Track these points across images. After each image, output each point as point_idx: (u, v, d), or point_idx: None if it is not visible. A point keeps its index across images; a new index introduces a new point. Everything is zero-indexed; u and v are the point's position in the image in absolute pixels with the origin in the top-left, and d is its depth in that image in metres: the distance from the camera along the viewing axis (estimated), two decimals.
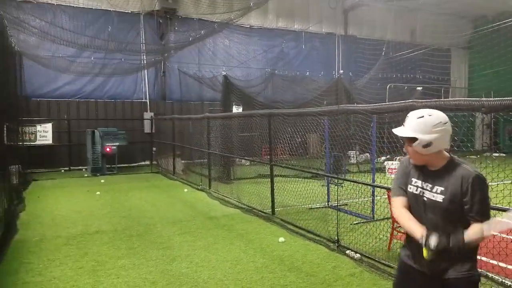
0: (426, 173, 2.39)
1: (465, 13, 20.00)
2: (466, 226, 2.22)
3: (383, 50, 17.61)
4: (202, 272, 4.90)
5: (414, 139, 2.30)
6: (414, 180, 2.44)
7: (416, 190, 2.41)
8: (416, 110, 2.39)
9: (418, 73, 19.67)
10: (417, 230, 2.25)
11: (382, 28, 19.91)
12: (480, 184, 2.23)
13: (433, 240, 2.11)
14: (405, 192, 2.47)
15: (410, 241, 2.40)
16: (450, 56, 22.24)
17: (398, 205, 2.47)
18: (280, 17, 19.53)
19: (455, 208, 2.25)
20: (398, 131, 2.40)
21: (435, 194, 2.32)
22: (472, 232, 2.16)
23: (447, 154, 2.37)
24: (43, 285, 4.58)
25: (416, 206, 2.41)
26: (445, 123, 2.29)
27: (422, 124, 2.29)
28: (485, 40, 16.00)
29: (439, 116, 2.31)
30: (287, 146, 8.78)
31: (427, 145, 2.28)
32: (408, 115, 2.39)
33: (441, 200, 2.28)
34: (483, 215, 2.22)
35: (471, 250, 2.25)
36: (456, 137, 4.38)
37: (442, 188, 2.29)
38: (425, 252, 2.12)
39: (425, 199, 2.36)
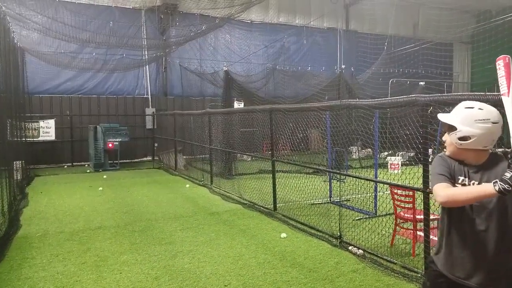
0: (471, 169, 2.18)
1: (468, 8, 19.85)
2: None
3: (385, 45, 17.52)
4: (204, 268, 4.91)
5: (454, 128, 2.14)
6: (461, 178, 2.17)
7: None
8: (472, 101, 2.18)
9: (420, 68, 19.55)
10: (486, 186, 1.91)
11: (384, 23, 19.81)
12: None
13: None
14: (451, 181, 2.16)
15: (452, 251, 2.19)
16: (452, 50, 22.12)
17: (444, 187, 2.11)
18: (281, 12, 19.43)
19: (508, 203, 2.05)
20: (442, 116, 2.22)
21: None
22: None
23: (488, 152, 2.17)
24: (47, 280, 4.61)
25: (463, 210, 2.14)
26: (494, 122, 2.07)
27: (466, 115, 2.11)
28: (488, 35, 15.89)
29: (490, 113, 2.09)
30: (288, 142, 8.77)
31: (464, 138, 2.10)
32: (460, 103, 2.20)
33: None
34: None
35: None
36: None
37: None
38: None
39: None
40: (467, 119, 2.10)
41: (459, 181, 2.17)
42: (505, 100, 1.98)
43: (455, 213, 2.17)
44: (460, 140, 2.12)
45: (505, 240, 2.08)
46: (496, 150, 2.33)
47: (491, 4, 19.33)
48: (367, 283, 4.42)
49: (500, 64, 2.00)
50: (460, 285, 2.17)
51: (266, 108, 8.08)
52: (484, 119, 2.07)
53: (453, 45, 22.27)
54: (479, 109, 2.11)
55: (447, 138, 2.22)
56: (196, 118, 12.51)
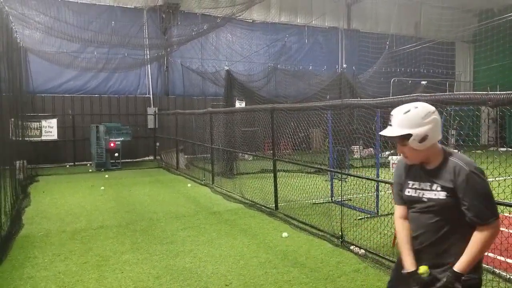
0: (424, 172, 2.24)
1: (470, 6, 19.78)
2: (470, 228, 2.08)
3: (386, 44, 17.50)
4: (205, 267, 4.92)
5: (408, 136, 2.12)
6: (411, 183, 2.30)
7: (415, 193, 2.26)
8: (399, 107, 2.20)
9: (422, 67, 19.53)
10: (407, 262, 2.29)
11: (385, 21, 19.79)
12: (474, 179, 2.04)
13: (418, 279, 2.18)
14: (402, 199, 2.36)
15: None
16: (454, 49, 22.05)
17: (397, 216, 2.42)
18: (282, 11, 19.42)
19: (457, 205, 2.09)
20: (387, 132, 2.19)
21: (436, 192, 2.15)
22: (466, 256, 2.05)
23: (440, 146, 2.22)
24: (49, 279, 4.62)
25: (415, 210, 2.28)
26: (433, 112, 2.15)
27: (411, 118, 2.12)
28: (491, 33, 15.84)
29: (425, 106, 2.16)
30: (290, 141, 8.76)
31: (423, 138, 2.11)
32: (392, 113, 2.20)
33: (443, 197, 2.12)
34: (484, 217, 2.02)
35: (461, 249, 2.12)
36: (462, 132, 4.34)
37: (443, 184, 2.12)
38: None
39: (425, 199, 2.20)
40: (414, 121, 2.12)
41: (409, 186, 2.30)
42: None
43: (410, 214, 2.37)
44: (421, 143, 2.13)
45: (447, 237, 2.21)
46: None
47: (493, 3, 19.27)
48: (369, 283, 4.42)
49: None
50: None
51: (268, 107, 8.07)
52: (426, 114, 2.13)
53: (455, 44, 22.20)
54: (415, 107, 2.15)
55: (403, 149, 2.24)
56: (198, 118, 12.51)
